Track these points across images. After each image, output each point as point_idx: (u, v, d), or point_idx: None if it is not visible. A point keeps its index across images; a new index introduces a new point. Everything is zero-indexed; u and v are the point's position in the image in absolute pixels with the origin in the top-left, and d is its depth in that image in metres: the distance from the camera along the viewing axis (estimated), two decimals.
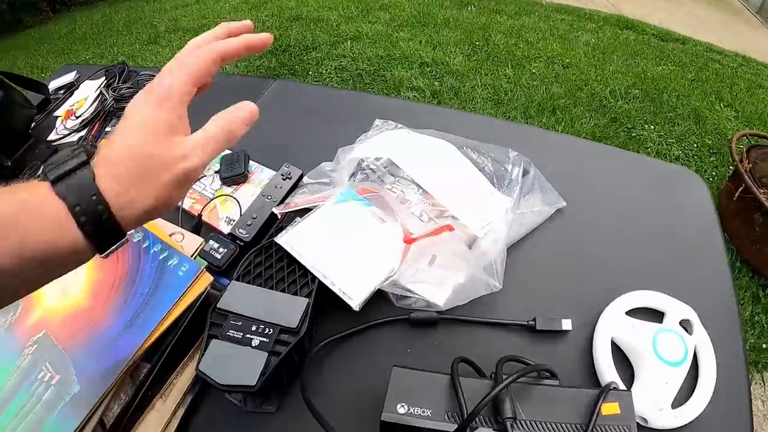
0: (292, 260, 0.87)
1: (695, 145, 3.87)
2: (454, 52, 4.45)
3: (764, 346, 2.55)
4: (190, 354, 0.85)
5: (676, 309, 0.89)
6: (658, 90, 4.53)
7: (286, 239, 0.89)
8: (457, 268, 0.88)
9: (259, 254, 0.90)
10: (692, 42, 7.05)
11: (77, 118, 1.48)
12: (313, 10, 5.64)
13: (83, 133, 1.41)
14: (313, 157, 1.12)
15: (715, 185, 3.46)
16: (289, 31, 4.98)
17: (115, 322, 0.77)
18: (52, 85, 1.70)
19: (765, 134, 3.45)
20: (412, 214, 0.92)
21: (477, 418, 0.65)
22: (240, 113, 0.59)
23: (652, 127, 3.92)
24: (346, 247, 0.88)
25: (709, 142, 3.96)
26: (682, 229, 1.07)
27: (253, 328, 0.77)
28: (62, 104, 1.60)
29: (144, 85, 1.51)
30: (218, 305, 0.80)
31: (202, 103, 1.43)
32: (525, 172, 1.05)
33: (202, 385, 0.84)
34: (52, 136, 1.47)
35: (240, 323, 0.77)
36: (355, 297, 0.82)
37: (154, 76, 1.49)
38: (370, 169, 1.00)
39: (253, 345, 0.75)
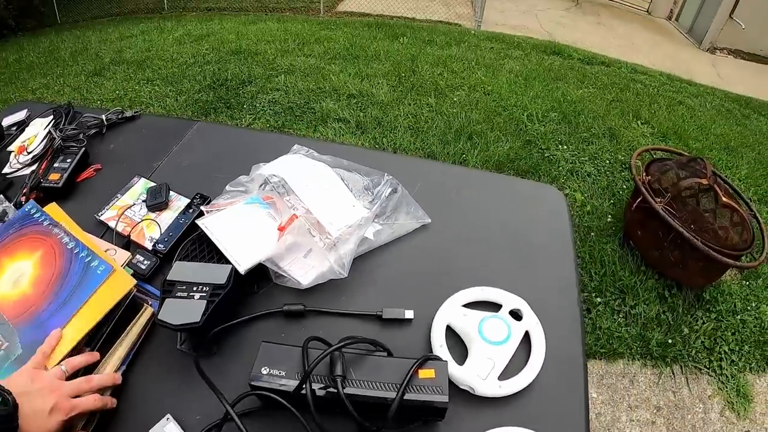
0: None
1: (608, 161, 4.27)
2: (380, 84, 4.81)
3: (670, 341, 2.89)
4: (119, 341, 1.11)
5: (508, 300, 1.11)
6: (576, 112, 4.94)
7: (203, 221, 1.22)
8: (320, 260, 1.19)
9: (194, 243, 1.23)
10: (618, 64, 7.57)
11: (29, 153, 1.70)
12: (252, 43, 6.01)
13: (34, 167, 1.63)
14: (224, 184, 1.39)
15: (625, 197, 3.83)
16: (227, 65, 5.30)
17: (49, 305, 1.08)
18: (6, 121, 1.93)
19: (665, 148, 3.84)
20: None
21: (314, 375, 0.89)
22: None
23: (566, 147, 4.31)
24: (243, 232, 1.21)
25: (622, 158, 4.37)
26: (537, 236, 1.34)
27: (195, 289, 1.08)
28: (15, 140, 1.83)
29: (87, 126, 1.73)
30: (167, 278, 1.10)
31: (123, 140, 1.65)
32: (394, 191, 1.37)
33: (130, 362, 1.10)
34: (6, 170, 1.68)
35: (184, 287, 1.08)
36: (242, 264, 1.14)
37: (96, 117, 1.79)
38: (274, 184, 1.31)
39: (195, 298, 1.06)
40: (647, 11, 13.65)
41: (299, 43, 6.00)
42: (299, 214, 1.20)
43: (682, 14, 13.10)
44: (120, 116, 1.82)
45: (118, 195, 1.47)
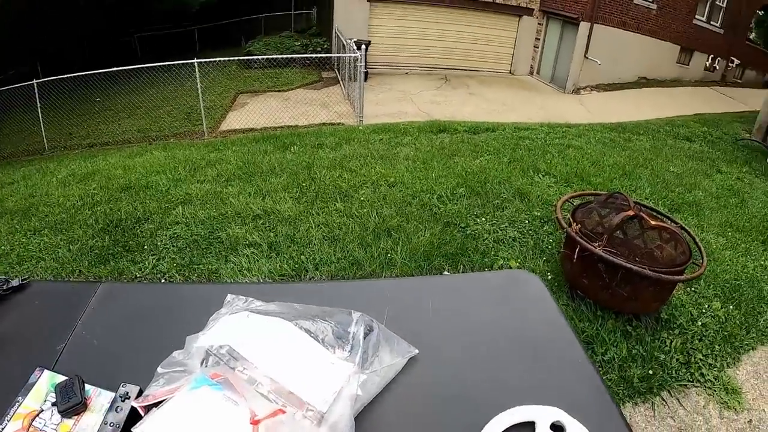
0: None
1: (526, 221, 4.28)
2: (283, 198, 4.63)
3: (650, 372, 2.85)
4: None
5: (543, 415, 0.95)
6: (481, 182, 4.99)
7: (141, 428, 0.92)
8: None
9: None
10: (501, 127, 7.92)
11: None
12: (142, 176, 5.64)
13: None
14: (153, 364, 1.12)
15: (555, 250, 3.84)
16: (119, 203, 4.89)
17: None
18: None
19: (583, 193, 3.93)
20: (260, 395, 0.98)
21: None
22: None
23: (483, 219, 4.27)
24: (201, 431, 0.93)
25: (538, 213, 4.41)
26: (533, 332, 1.20)
27: None
28: None
29: None
30: None
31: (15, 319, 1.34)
32: (369, 330, 1.13)
33: None
34: None
35: None
36: None
37: None
38: (219, 355, 1.05)
39: None
40: (510, 72, 14.65)
41: (190, 170, 5.74)
42: (264, 389, 0.97)
43: (542, 67, 14.30)
44: (5, 287, 1.46)
45: (19, 398, 1.12)
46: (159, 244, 4.08)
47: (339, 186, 4.85)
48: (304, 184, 4.91)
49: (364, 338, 1.09)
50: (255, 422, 0.92)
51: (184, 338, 1.14)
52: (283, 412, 0.93)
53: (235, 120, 9.72)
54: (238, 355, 1.03)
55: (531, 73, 14.45)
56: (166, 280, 3.57)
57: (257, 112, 9.67)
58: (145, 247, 4.06)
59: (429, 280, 1.41)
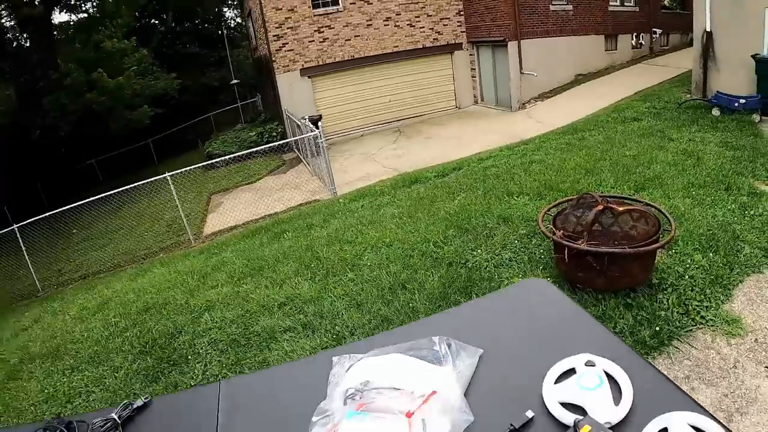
0: None
1: (516, 241, 4.76)
2: (299, 283, 5.01)
3: (657, 329, 3.33)
4: None
5: (579, 359, 1.32)
6: (466, 219, 5.46)
7: None
8: (441, 424, 1.27)
9: None
10: (466, 162, 8.42)
11: None
12: (155, 294, 5.83)
13: None
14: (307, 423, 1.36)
15: (548, 257, 4.33)
16: (146, 324, 5.09)
17: None
18: None
19: (557, 202, 4.41)
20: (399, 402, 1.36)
21: None
22: None
23: (479, 250, 4.73)
24: None
25: (524, 231, 4.90)
26: (556, 321, 1.57)
27: None
28: None
29: None
30: None
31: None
32: (449, 345, 1.56)
33: None
34: None
35: None
36: None
37: (105, 420, 1.51)
38: (356, 392, 1.41)
39: None
40: (457, 107, 15.30)
41: (199, 278, 5.98)
42: (398, 402, 1.33)
43: (484, 94, 14.99)
44: (131, 409, 1.58)
45: None
46: (201, 351, 4.33)
47: (344, 258, 5.25)
48: (311, 265, 5.30)
49: (449, 350, 1.53)
50: (410, 414, 1.27)
51: (315, 403, 1.41)
52: (435, 392, 1.32)
53: (216, 221, 10.05)
54: (370, 385, 1.41)
55: (476, 102, 15.17)
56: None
57: (235, 208, 10.04)
58: (189, 357, 4.30)
59: (465, 307, 1.84)
